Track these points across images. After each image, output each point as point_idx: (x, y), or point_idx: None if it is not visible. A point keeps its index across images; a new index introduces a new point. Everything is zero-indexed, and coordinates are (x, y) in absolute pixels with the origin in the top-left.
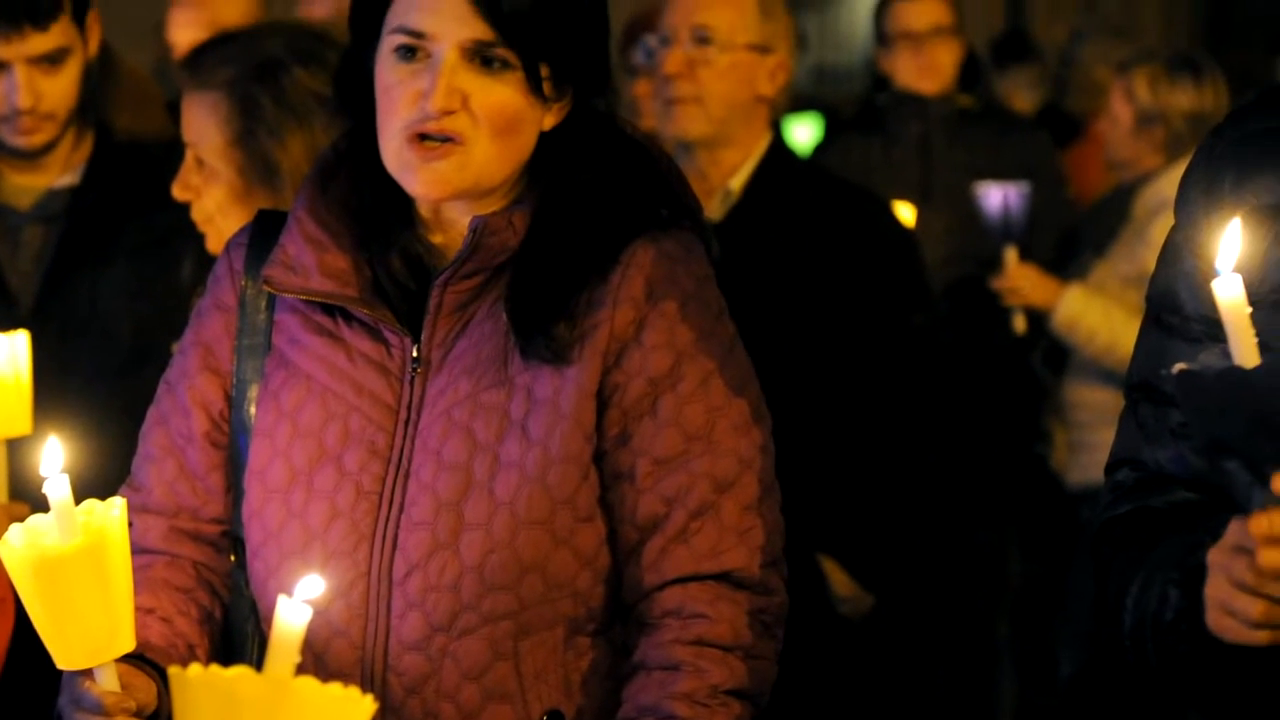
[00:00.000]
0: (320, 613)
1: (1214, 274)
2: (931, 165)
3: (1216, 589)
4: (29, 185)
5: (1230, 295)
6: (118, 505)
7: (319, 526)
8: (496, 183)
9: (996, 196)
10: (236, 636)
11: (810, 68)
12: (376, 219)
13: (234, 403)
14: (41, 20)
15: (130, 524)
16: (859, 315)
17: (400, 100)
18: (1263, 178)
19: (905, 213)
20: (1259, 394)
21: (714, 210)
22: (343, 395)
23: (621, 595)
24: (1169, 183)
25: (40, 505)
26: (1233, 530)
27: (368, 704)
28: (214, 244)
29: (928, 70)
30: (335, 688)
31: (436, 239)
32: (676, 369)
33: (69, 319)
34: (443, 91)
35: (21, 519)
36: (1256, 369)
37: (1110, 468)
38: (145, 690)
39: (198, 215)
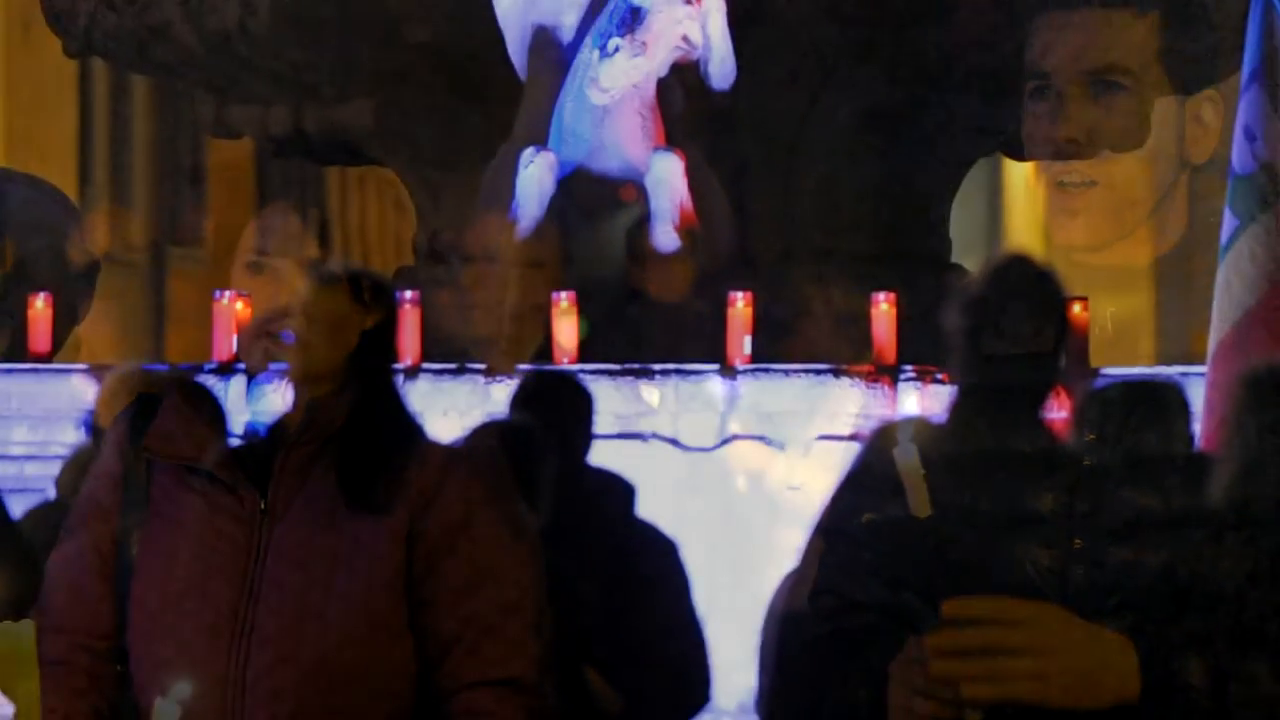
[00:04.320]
0: (188, 711)
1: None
2: None
3: (897, 693)
4: None
5: (907, 460)
6: (28, 625)
7: (187, 641)
8: (326, 371)
9: None
10: None
11: None
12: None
13: (120, 544)
14: None
15: (38, 640)
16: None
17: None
18: None
19: None
20: (930, 539)
21: None
22: (205, 538)
23: (428, 696)
24: None
25: None
26: (910, 646)
27: None
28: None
29: None
30: None
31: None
32: (470, 518)
33: None
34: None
35: None
36: (929, 518)
37: (813, 596)
38: None
39: None
